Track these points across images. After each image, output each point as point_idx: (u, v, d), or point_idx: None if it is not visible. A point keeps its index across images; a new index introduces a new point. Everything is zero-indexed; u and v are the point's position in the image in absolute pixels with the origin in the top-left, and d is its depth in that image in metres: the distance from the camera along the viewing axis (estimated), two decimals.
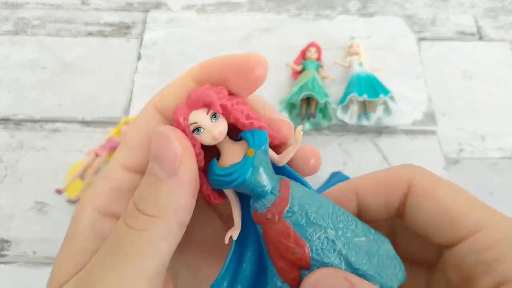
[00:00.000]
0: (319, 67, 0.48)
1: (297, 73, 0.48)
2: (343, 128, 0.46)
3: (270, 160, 0.15)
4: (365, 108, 0.46)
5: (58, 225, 0.40)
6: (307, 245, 0.14)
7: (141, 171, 0.15)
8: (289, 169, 0.16)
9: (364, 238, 0.15)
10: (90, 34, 0.53)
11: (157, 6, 0.56)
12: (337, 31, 0.53)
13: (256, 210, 0.15)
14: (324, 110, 0.45)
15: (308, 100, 0.45)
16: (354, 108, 0.46)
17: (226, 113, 0.15)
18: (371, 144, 0.46)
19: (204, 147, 0.15)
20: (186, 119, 0.14)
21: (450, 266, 0.15)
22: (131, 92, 0.48)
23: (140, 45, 0.52)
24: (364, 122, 0.46)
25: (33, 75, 0.50)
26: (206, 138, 0.14)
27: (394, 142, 0.46)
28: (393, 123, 0.47)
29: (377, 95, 0.44)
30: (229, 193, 0.15)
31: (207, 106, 0.14)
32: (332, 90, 0.47)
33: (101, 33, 0.53)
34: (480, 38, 0.53)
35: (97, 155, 0.42)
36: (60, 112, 0.47)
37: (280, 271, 0.15)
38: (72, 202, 0.41)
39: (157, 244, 0.13)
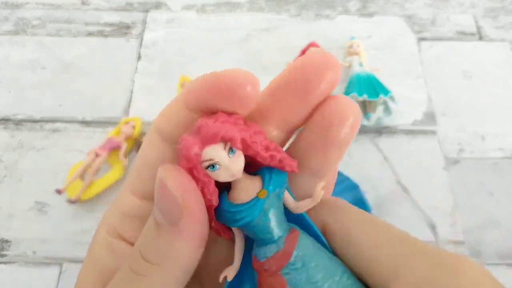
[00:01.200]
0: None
1: None
2: None
3: (285, 205, 0.14)
4: (365, 108, 0.46)
5: (58, 225, 0.40)
6: None
7: (147, 197, 0.15)
8: (305, 217, 0.14)
9: None
10: (90, 34, 0.53)
11: (157, 6, 0.56)
12: (337, 31, 0.53)
13: (256, 256, 0.14)
14: None
15: None
16: None
17: (244, 148, 0.13)
18: (371, 144, 0.46)
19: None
20: (199, 155, 0.13)
21: None
22: (131, 92, 0.48)
23: (140, 45, 0.52)
24: (364, 122, 0.46)
25: (33, 75, 0.50)
26: (223, 175, 0.13)
27: (394, 142, 0.46)
28: (393, 123, 0.47)
29: (377, 95, 0.44)
30: (236, 232, 0.14)
31: (225, 141, 0.13)
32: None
33: (101, 33, 0.53)
34: (480, 38, 0.53)
35: (97, 155, 0.42)
36: (60, 112, 0.47)
37: None
38: (72, 202, 0.41)
39: None
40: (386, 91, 0.44)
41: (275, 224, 0.13)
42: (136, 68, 0.50)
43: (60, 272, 0.38)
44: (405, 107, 0.47)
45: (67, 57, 0.51)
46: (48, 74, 0.50)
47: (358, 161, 0.44)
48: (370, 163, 0.44)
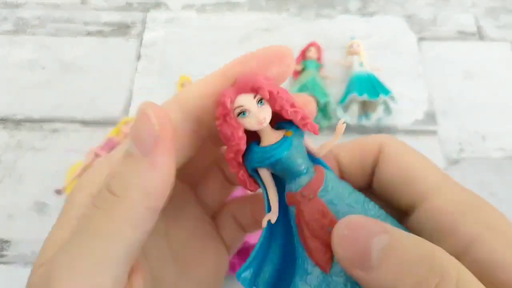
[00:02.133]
0: (319, 67, 0.48)
1: (297, 73, 0.48)
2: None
3: (307, 150, 0.16)
4: (365, 108, 0.46)
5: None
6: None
7: None
8: (324, 164, 0.16)
9: None
10: (89, 34, 0.53)
11: (157, 5, 0.55)
12: (337, 30, 0.53)
13: (290, 190, 0.15)
14: (324, 110, 0.45)
15: None
16: (355, 108, 0.46)
17: (272, 100, 0.15)
18: None
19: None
20: (232, 101, 0.14)
21: (412, 231, 0.15)
22: (131, 92, 0.48)
23: (140, 44, 0.52)
24: (364, 122, 0.46)
25: (32, 75, 0.50)
26: (251, 122, 0.15)
27: None
28: (394, 123, 0.47)
29: (377, 95, 0.44)
30: (266, 175, 0.15)
31: (255, 91, 0.15)
32: (332, 90, 0.47)
33: (100, 33, 0.53)
34: (481, 38, 0.53)
35: (96, 155, 0.42)
36: (60, 112, 0.47)
37: (312, 253, 0.14)
38: None
39: (118, 228, 0.12)
40: (386, 91, 0.44)
41: (303, 158, 0.15)
42: (136, 68, 0.50)
43: None
44: (405, 107, 0.47)
45: (66, 57, 0.51)
46: (48, 74, 0.50)
47: None
48: None
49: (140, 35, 0.53)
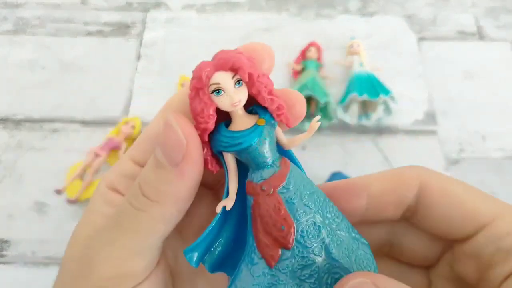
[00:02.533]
0: (319, 67, 0.48)
1: (297, 73, 0.48)
2: (344, 128, 0.46)
3: (277, 142, 0.15)
4: (365, 108, 0.46)
5: (58, 225, 0.40)
6: (294, 225, 0.14)
7: (143, 165, 0.16)
8: (292, 156, 0.16)
9: (346, 234, 0.15)
10: (89, 33, 0.53)
11: (157, 5, 0.55)
12: (337, 30, 0.53)
13: (252, 181, 0.15)
14: (324, 110, 0.45)
15: (308, 100, 0.45)
16: (355, 108, 0.46)
17: (250, 83, 0.14)
18: (372, 144, 0.46)
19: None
20: (209, 77, 0.14)
21: (464, 259, 0.15)
22: (131, 91, 0.48)
23: (140, 44, 0.52)
24: (365, 122, 0.46)
25: (33, 75, 0.50)
26: (225, 102, 0.14)
27: (395, 142, 0.46)
28: (394, 123, 0.47)
29: (377, 95, 0.44)
30: (230, 160, 0.15)
31: (235, 70, 0.14)
32: (332, 90, 0.47)
33: (100, 33, 0.53)
34: (481, 38, 0.53)
35: (96, 155, 0.42)
36: (60, 112, 0.47)
37: (261, 246, 0.14)
38: (71, 202, 0.41)
39: (153, 225, 0.14)
40: (386, 91, 0.44)
41: (271, 149, 0.15)
42: (136, 68, 0.50)
43: None
44: (405, 107, 0.47)
45: (66, 57, 0.51)
46: (48, 74, 0.50)
47: (359, 161, 0.44)
48: (370, 163, 0.44)
49: (140, 35, 0.53)
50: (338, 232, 0.15)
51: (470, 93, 0.49)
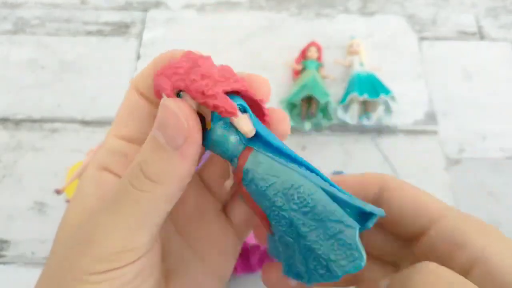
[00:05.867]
0: (319, 66, 0.48)
1: (297, 73, 0.48)
2: (344, 128, 0.46)
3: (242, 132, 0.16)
4: (365, 108, 0.46)
5: (58, 225, 0.40)
6: (265, 213, 0.16)
7: (129, 139, 0.17)
8: (265, 136, 0.16)
9: (323, 217, 0.15)
10: (89, 33, 0.53)
11: (157, 5, 0.55)
12: (337, 30, 0.53)
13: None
14: (324, 110, 0.45)
15: (308, 100, 0.45)
16: (355, 108, 0.46)
17: (187, 91, 0.15)
18: (372, 144, 0.46)
19: None
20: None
21: (422, 258, 0.16)
22: None
23: (140, 44, 0.52)
24: (365, 122, 0.46)
25: (32, 74, 0.50)
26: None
27: (395, 142, 0.46)
28: (394, 123, 0.47)
29: (377, 95, 0.44)
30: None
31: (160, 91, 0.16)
32: (332, 90, 0.47)
33: (100, 33, 0.53)
34: (481, 38, 0.53)
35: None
36: (60, 112, 0.47)
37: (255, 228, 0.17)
38: None
39: (157, 205, 0.15)
40: (386, 91, 0.44)
41: (227, 147, 0.16)
42: (136, 68, 0.50)
43: None
44: (405, 107, 0.47)
45: (66, 56, 0.51)
46: (47, 74, 0.50)
47: (359, 161, 0.44)
48: (370, 163, 0.44)
49: (139, 35, 0.53)
50: (309, 215, 0.15)
51: (470, 93, 0.49)
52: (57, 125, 0.46)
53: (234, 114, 0.15)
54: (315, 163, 0.48)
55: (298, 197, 0.15)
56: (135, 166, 0.15)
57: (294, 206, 0.15)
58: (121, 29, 0.53)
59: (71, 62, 0.51)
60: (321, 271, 0.15)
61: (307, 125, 0.45)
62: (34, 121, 0.46)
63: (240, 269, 0.37)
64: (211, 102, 0.14)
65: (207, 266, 0.19)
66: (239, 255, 0.37)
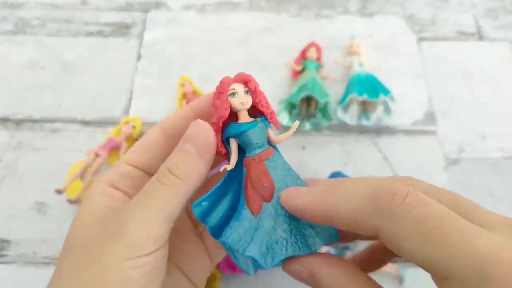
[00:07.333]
0: (319, 67, 0.48)
1: (297, 73, 0.48)
2: (343, 128, 0.46)
3: (268, 138, 0.22)
4: (365, 108, 0.46)
5: (58, 225, 0.40)
6: (274, 184, 0.21)
7: (138, 167, 0.21)
8: (277, 149, 0.22)
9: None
10: (90, 34, 0.53)
11: (157, 6, 0.56)
12: (337, 31, 0.53)
13: (248, 156, 0.21)
14: (324, 110, 0.45)
15: (308, 100, 0.45)
16: (354, 108, 0.46)
17: (253, 94, 0.21)
18: (371, 144, 0.46)
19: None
20: (228, 85, 0.21)
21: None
22: (131, 92, 0.48)
23: (140, 45, 0.52)
24: (364, 122, 0.46)
25: (33, 75, 0.50)
26: (237, 102, 0.21)
27: (394, 142, 0.46)
28: (393, 123, 0.47)
29: (377, 95, 0.44)
30: (233, 144, 0.21)
31: (246, 83, 0.21)
32: (332, 90, 0.47)
33: (100, 33, 0.53)
34: (481, 38, 0.53)
35: (97, 155, 0.42)
36: (60, 112, 0.47)
37: (249, 200, 0.20)
38: (72, 202, 0.41)
39: (179, 199, 0.18)
40: (386, 91, 0.44)
41: (262, 138, 0.21)
42: (136, 68, 0.50)
43: None
44: (405, 107, 0.47)
45: (67, 57, 0.51)
46: (48, 74, 0.50)
47: (358, 161, 0.44)
48: (370, 163, 0.44)
49: (140, 35, 0.53)
50: None
51: (469, 93, 0.49)
52: (57, 125, 0.46)
53: (277, 125, 0.22)
54: (314, 163, 0.48)
55: (300, 182, 0.22)
56: (163, 168, 0.19)
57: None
58: (121, 29, 0.53)
59: (71, 62, 0.51)
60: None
61: (307, 125, 0.45)
62: (34, 121, 0.47)
63: (240, 269, 0.37)
64: (271, 109, 0.22)
65: (182, 272, 0.22)
66: None
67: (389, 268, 0.37)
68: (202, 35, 0.53)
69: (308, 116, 0.45)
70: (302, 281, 0.19)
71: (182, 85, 0.46)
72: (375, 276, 0.40)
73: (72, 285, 0.17)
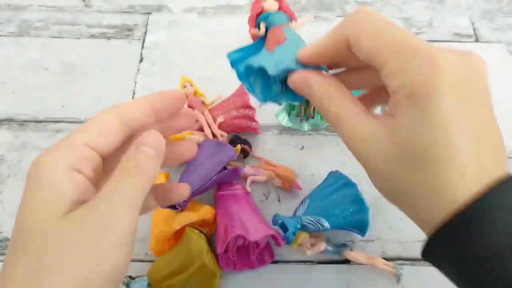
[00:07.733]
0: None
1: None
2: None
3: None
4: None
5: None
6: (285, 36, 0.30)
7: (97, 150, 0.22)
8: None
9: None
10: (92, 36, 0.54)
11: (159, 8, 0.56)
12: None
13: (273, 27, 0.33)
14: None
15: (307, 100, 0.46)
16: None
17: (280, 2, 0.35)
18: None
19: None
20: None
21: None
22: (133, 93, 0.49)
23: (142, 47, 0.53)
24: None
25: (36, 76, 0.51)
26: (267, 3, 0.35)
27: None
28: None
29: None
30: (262, 24, 0.34)
31: None
32: None
33: (103, 35, 0.54)
34: (477, 40, 0.54)
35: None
36: (63, 113, 0.48)
37: (268, 43, 0.30)
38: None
39: (147, 190, 0.21)
40: None
41: (282, 21, 0.34)
42: (138, 70, 0.51)
43: None
44: None
45: (70, 58, 0.52)
46: (51, 76, 0.51)
47: (356, 160, 0.45)
48: None
49: (142, 38, 0.54)
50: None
51: None
52: (61, 125, 0.47)
53: (293, 14, 0.36)
54: (313, 162, 0.49)
55: (304, 44, 0.30)
56: (131, 165, 0.21)
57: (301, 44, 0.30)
58: (124, 32, 0.54)
59: (74, 64, 0.52)
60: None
61: (306, 126, 0.46)
62: (38, 121, 0.47)
63: (240, 265, 0.38)
64: (291, 10, 0.36)
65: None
66: (238, 251, 0.38)
67: (387, 266, 0.37)
68: (203, 38, 0.54)
69: (307, 116, 0.46)
70: (301, 92, 0.25)
71: (184, 86, 0.47)
72: (373, 273, 0.40)
73: None
